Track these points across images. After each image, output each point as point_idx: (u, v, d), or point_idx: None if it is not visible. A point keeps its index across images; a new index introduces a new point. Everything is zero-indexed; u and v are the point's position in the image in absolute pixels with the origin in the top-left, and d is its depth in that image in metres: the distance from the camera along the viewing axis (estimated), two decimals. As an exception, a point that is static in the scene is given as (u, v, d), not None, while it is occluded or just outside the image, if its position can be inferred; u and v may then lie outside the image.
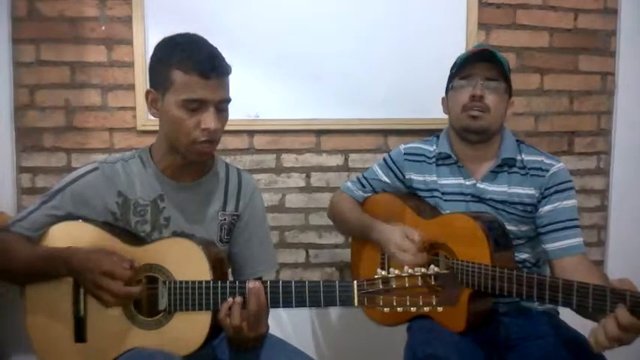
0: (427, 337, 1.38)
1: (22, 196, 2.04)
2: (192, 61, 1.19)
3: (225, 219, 1.37)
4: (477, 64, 1.45)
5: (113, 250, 1.21)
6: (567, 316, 1.38)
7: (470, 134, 1.48)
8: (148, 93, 1.27)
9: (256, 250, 1.42)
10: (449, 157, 1.54)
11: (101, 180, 1.29)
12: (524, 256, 1.49)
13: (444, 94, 1.57)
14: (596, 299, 1.09)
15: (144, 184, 1.31)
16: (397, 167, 1.63)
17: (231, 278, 1.40)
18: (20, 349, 1.97)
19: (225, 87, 1.25)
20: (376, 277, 1.08)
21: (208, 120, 1.21)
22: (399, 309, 1.06)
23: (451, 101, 1.52)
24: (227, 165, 1.43)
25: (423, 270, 1.06)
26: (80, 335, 1.24)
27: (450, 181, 1.54)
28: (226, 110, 1.27)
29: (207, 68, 1.19)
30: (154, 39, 1.96)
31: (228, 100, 1.26)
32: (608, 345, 1.07)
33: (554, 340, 1.39)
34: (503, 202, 1.47)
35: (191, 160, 1.28)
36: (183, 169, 1.32)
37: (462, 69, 1.47)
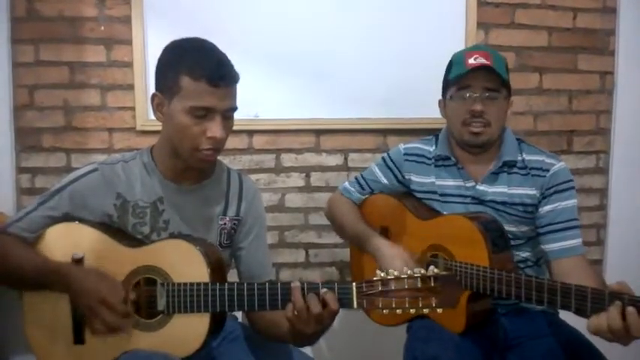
0: (426, 337, 1.39)
1: (21, 197, 2.04)
2: (201, 68, 1.17)
3: (225, 223, 1.36)
4: (476, 73, 1.42)
5: (112, 276, 1.20)
6: (566, 315, 1.38)
7: (470, 147, 1.48)
8: (154, 96, 1.26)
9: (261, 253, 1.42)
10: (448, 158, 1.53)
11: (100, 181, 1.29)
12: (525, 254, 1.49)
13: (441, 96, 1.56)
14: (595, 302, 1.09)
15: (144, 185, 1.30)
16: (397, 168, 1.62)
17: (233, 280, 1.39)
18: (20, 349, 1.97)
19: (232, 95, 1.24)
20: (375, 278, 1.07)
21: (215, 129, 1.20)
22: (398, 311, 1.05)
23: (450, 111, 1.50)
24: (228, 169, 1.42)
25: (423, 271, 1.06)
26: (79, 337, 1.24)
27: (449, 182, 1.53)
28: (232, 118, 1.27)
29: (216, 76, 1.18)
30: (153, 39, 1.99)
31: (235, 109, 1.26)
32: (605, 332, 1.07)
33: (554, 340, 1.40)
34: (503, 203, 1.47)
35: (192, 165, 1.28)
36: (184, 173, 1.31)
37: (460, 79, 1.44)
